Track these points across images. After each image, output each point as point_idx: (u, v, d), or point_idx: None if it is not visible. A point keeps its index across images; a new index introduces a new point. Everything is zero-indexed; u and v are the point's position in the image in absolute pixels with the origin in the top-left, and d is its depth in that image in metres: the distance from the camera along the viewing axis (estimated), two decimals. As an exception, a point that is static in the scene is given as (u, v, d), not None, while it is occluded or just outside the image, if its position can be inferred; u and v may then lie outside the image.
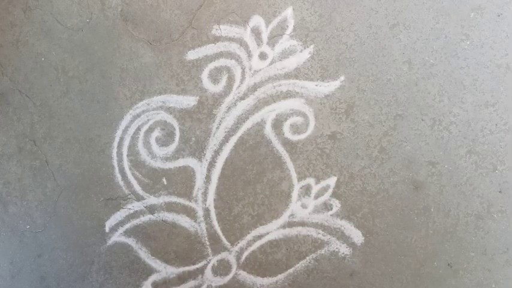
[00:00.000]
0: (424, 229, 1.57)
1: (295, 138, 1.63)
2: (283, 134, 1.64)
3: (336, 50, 1.56)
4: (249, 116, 1.64)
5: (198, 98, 1.66)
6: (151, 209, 1.72)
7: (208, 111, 1.66)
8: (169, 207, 1.71)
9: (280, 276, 1.71)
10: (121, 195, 1.72)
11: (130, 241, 1.73)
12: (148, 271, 1.74)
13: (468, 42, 1.50)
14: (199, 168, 1.68)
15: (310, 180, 1.64)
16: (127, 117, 1.70)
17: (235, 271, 1.72)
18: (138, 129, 1.70)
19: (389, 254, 1.60)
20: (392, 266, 1.61)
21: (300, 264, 1.69)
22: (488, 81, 1.50)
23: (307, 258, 1.68)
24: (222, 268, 1.72)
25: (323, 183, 1.63)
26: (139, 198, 1.72)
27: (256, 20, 1.61)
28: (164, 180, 1.71)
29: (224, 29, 1.62)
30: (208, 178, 1.69)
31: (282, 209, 1.68)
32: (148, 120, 1.69)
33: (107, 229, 1.74)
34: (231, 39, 1.63)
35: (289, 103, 1.62)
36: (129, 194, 1.72)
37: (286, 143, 1.64)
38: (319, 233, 1.65)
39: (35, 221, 1.78)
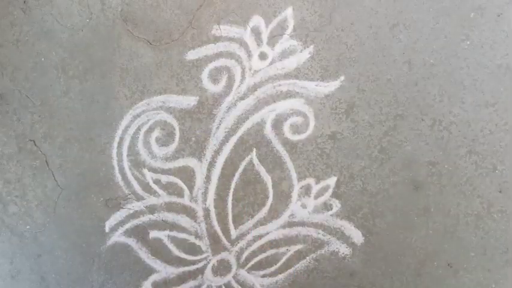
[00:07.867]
0: (424, 229, 1.57)
1: (295, 138, 1.63)
2: (283, 134, 1.64)
3: (336, 50, 1.56)
4: (249, 116, 1.64)
5: (198, 98, 1.66)
6: (151, 209, 1.72)
7: (208, 111, 1.66)
8: (169, 207, 1.71)
9: (280, 276, 1.71)
10: (121, 195, 1.72)
11: (130, 241, 1.73)
12: (148, 271, 1.74)
13: (468, 42, 1.50)
14: (199, 168, 1.68)
15: (310, 180, 1.64)
16: (127, 117, 1.70)
17: (235, 271, 1.72)
18: (138, 129, 1.70)
19: (389, 254, 1.60)
20: (392, 266, 1.61)
21: (300, 264, 1.69)
22: (488, 81, 1.50)
23: (307, 258, 1.68)
24: (222, 268, 1.72)
25: (323, 183, 1.63)
26: (139, 198, 1.72)
27: (256, 20, 1.60)
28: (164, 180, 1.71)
29: (224, 29, 1.62)
30: (208, 178, 1.68)
31: (282, 209, 1.68)
32: (148, 120, 1.69)
33: (107, 229, 1.74)
34: (231, 39, 1.63)
35: (289, 103, 1.62)
36: (129, 194, 1.72)
37: (286, 143, 1.64)
38: (319, 233, 1.65)
39: (35, 221, 1.78)
